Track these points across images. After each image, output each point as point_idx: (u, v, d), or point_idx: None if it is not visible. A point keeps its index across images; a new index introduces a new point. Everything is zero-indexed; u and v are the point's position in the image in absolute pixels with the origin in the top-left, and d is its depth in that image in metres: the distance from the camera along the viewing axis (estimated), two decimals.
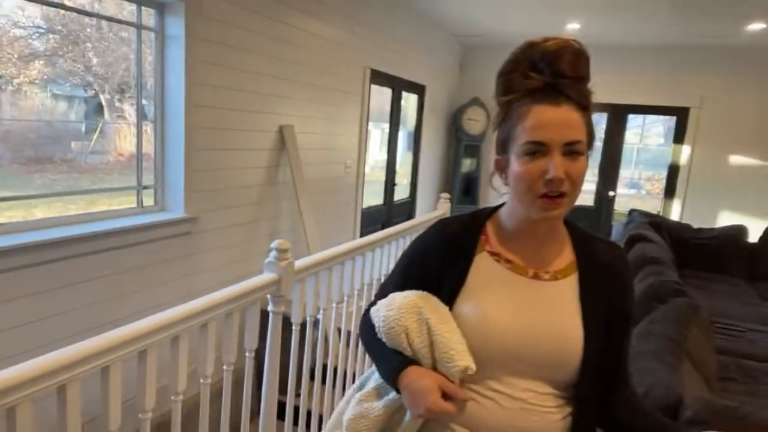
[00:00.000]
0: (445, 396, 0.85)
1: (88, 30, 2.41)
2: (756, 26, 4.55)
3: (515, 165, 0.85)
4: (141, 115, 2.61)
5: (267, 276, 1.61)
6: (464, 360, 0.86)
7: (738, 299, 3.65)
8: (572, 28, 5.14)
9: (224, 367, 1.50)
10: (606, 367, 0.91)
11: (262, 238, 3.36)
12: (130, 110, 2.65)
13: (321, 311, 2.00)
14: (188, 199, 2.71)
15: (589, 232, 0.99)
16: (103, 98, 2.58)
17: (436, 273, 0.94)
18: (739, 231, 4.56)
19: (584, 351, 0.87)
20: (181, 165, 2.66)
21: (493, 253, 0.93)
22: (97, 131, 2.61)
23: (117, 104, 2.65)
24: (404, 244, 2.76)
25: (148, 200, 2.69)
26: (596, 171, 6.11)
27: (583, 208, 6.13)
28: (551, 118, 0.82)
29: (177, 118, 2.63)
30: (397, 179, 5.36)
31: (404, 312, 0.90)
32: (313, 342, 2.02)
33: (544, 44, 0.85)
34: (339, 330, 2.13)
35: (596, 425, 0.95)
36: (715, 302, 3.45)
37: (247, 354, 1.59)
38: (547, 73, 0.84)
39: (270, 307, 1.67)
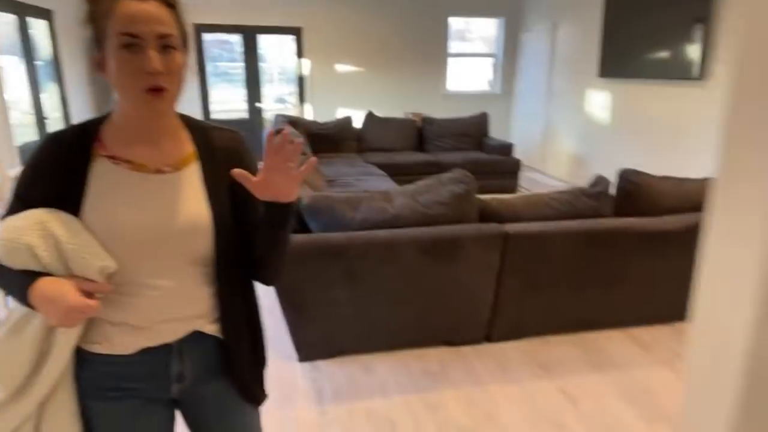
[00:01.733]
0: (87, 295, 0.85)
1: None
2: None
3: (113, 61, 0.84)
4: None
5: None
6: (100, 260, 0.86)
7: (351, 165, 5.32)
8: None
9: None
10: (244, 236, 1.00)
11: None
12: None
13: None
14: None
15: (204, 122, 1.03)
16: None
17: (53, 189, 0.90)
18: (348, 121, 6.33)
19: (214, 227, 0.94)
20: None
21: (110, 157, 0.92)
22: None
23: None
24: None
25: None
26: (244, 89, 7.15)
27: (238, 121, 7.20)
28: (139, 12, 0.83)
29: None
30: (48, 112, 5.14)
31: (25, 230, 0.86)
32: None
33: None
34: None
35: (253, 283, 1.06)
36: (337, 168, 5.01)
37: None
38: None
39: None
